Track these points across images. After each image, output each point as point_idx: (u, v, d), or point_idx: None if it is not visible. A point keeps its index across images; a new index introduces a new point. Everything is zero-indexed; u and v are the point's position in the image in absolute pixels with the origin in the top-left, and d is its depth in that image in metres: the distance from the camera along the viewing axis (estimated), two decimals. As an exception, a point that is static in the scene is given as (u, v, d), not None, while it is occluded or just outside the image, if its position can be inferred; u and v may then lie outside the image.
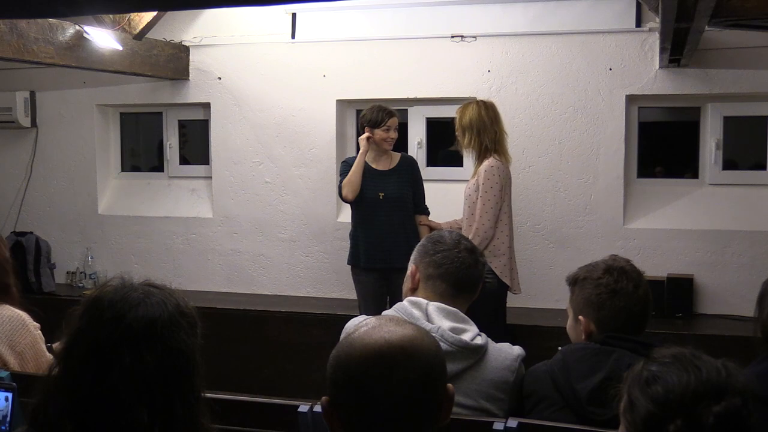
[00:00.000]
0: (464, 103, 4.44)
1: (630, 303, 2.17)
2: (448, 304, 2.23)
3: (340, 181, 4.63)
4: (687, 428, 1.27)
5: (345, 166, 4.65)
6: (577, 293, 2.25)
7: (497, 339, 2.33)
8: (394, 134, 4.57)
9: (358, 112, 5.48)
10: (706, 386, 1.29)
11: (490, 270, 4.10)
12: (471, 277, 2.31)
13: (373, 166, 4.60)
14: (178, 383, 1.42)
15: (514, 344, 2.29)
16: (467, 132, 4.29)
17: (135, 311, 1.43)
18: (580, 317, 2.23)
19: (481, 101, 4.40)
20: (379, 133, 4.52)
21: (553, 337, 3.79)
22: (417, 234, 4.46)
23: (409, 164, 4.71)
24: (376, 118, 4.52)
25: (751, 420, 1.29)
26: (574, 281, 2.28)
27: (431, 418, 1.33)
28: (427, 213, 4.71)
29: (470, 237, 4.06)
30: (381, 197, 4.55)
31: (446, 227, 4.48)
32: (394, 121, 4.55)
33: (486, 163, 4.23)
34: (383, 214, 4.55)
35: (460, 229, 4.39)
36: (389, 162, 4.63)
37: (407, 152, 5.40)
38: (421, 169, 5.37)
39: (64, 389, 1.40)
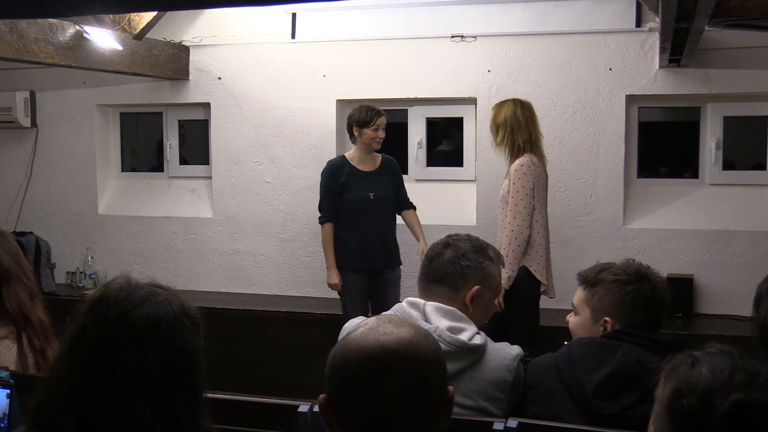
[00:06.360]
0: (501, 100, 4.37)
1: (663, 311, 2.26)
2: (428, 300, 2.20)
3: (323, 204, 4.59)
4: (699, 406, 1.29)
5: (328, 177, 4.58)
6: (602, 295, 2.23)
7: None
8: (382, 134, 4.55)
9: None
10: (734, 378, 1.31)
11: (525, 269, 4.10)
12: (438, 268, 2.22)
13: (360, 167, 4.58)
14: (180, 383, 1.42)
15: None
16: (501, 129, 4.19)
17: (140, 309, 1.42)
18: (606, 318, 2.21)
19: (519, 100, 4.28)
20: (368, 132, 4.49)
21: (553, 337, 3.79)
22: (394, 233, 4.62)
23: (391, 165, 4.72)
24: (365, 117, 4.49)
25: (760, 421, 1.30)
26: (595, 282, 2.25)
27: (429, 421, 1.33)
28: (414, 207, 4.74)
29: (507, 239, 4.07)
30: (371, 197, 4.55)
31: None
32: (382, 121, 4.53)
33: (516, 162, 4.12)
34: (372, 214, 4.55)
35: None
36: (374, 163, 4.63)
37: (407, 152, 5.42)
38: (421, 169, 5.41)
39: (67, 386, 1.40)
